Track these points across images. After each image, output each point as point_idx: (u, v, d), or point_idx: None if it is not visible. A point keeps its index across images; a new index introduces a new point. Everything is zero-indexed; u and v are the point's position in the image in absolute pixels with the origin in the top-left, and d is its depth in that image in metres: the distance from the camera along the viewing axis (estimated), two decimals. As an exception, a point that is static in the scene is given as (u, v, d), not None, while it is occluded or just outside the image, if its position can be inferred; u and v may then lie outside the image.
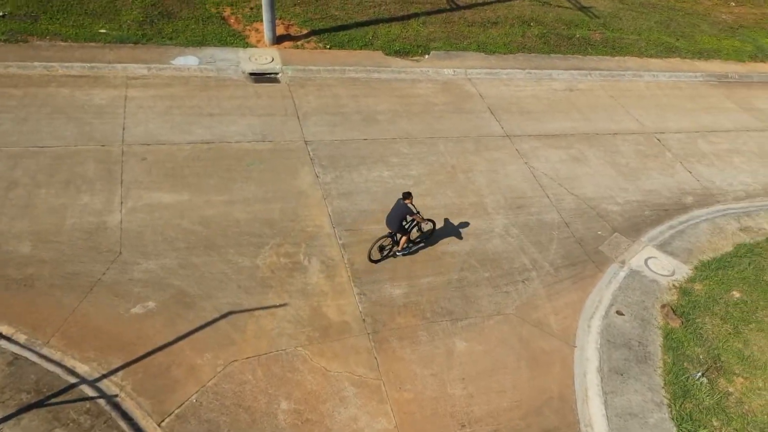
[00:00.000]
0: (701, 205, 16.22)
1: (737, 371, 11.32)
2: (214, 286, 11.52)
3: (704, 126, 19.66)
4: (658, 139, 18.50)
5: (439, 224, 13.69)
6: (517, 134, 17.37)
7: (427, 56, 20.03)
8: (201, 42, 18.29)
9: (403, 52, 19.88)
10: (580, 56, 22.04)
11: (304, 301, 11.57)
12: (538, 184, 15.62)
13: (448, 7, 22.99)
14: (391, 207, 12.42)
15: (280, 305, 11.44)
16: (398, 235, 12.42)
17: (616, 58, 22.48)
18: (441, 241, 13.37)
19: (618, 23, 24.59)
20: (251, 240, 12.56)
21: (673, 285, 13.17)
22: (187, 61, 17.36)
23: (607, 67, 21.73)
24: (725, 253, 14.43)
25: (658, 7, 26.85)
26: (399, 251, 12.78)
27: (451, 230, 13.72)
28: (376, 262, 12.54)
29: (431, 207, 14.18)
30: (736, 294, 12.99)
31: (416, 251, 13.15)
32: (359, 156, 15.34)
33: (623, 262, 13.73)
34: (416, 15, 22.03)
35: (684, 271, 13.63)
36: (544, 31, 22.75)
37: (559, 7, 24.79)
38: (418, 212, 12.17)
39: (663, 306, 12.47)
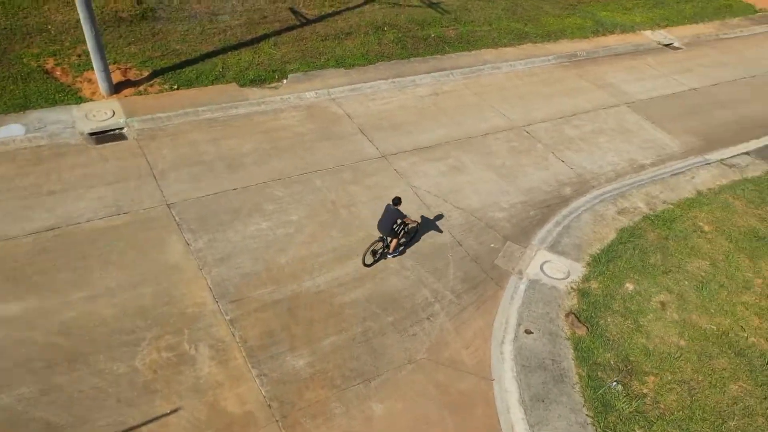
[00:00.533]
0: (579, 193, 16.53)
1: (647, 369, 11.49)
2: (88, 407, 9.88)
3: (566, 110, 20.18)
4: (527, 132, 18.69)
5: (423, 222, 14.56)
6: (393, 152, 16.77)
7: (285, 81, 18.87)
8: (24, 105, 15.91)
9: (259, 81, 18.57)
10: (439, 56, 21.85)
11: (198, 400, 10.25)
12: (423, 205, 15.13)
13: (297, 23, 21.87)
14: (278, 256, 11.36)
15: (172, 411, 10.05)
16: (389, 239, 12.93)
17: (473, 52, 22.54)
18: (336, 293, 12.49)
19: (468, 16, 24.71)
20: (124, 339, 10.97)
21: (572, 288, 13.21)
22: (10, 131, 15.01)
23: (466, 64, 21.70)
24: (611, 241, 14.75)
25: (502, -7, 27.39)
26: (390, 254, 13.36)
27: (345, 277, 12.86)
28: (369, 266, 13.05)
29: (319, 254, 13.23)
30: (630, 286, 13.26)
31: (404, 251, 13.65)
32: (231, 210, 14.01)
33: (521, 273, 13.59)
34: (266, 36, 20.73)
35: (578, 271, 13.74)
36: (400, 35, 22.31)
37: (409, 6, 24.47)
38: (407, 215, 12.97)
39: (567, 315, 12.44)
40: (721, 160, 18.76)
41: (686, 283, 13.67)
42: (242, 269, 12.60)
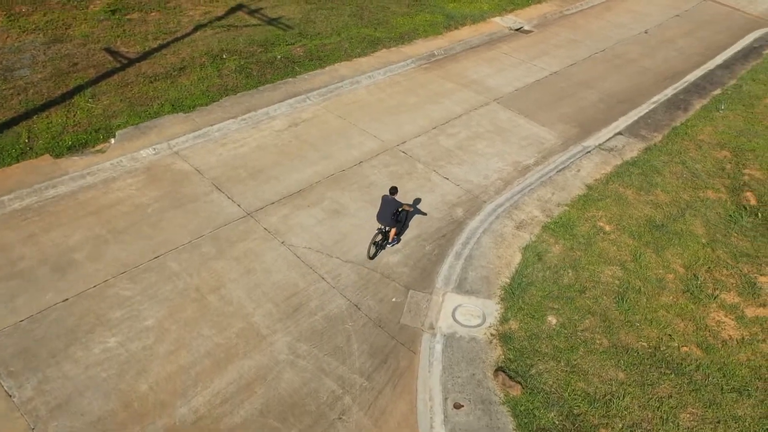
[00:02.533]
0: (472, 213, 14.99)
1: (595, 421, 10.07)
2: None
3: (438, 118, 18.62)
4: (403, 152, 16.89)
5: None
6: (258, 207, 14.22)
7: (113, 141, 15.60)
8: None
9: (79, 147, 15.17)
10: (291, 79, 19.43)
11: None
12: (306, 267, 12.79)
13: (117, 65, 18.46)
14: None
15: None
16: (388, 229, 12.98)
17: (327, 68, 20.36)
18: (222, 414, 9.86)
19: (314, 28, 22.46)
20: None
21: (492, 335, 11.55)
22: None
23: (322, 83, 19.48)
24: (518, 265, 13.30)
25: (344, -3, 25.41)
26: (389, 243, 13.54)
27: (229, 389, 10.27)
28: (372, 258, 13.16)
29: (190, 365, 10.51)
30: (552, 319, 11.83)
31: (399, 240, 13.78)
32: (66, 330, 10.84)
33: (432, 328, 11.72)
34: (80, 88, 17.19)
35: (493, 311, 12.11)
36: (242, 62, 19.60)
37: (246, 27, 21.76)
38: (404, 203, 13.23)
39: (495, 372, 10.74)
40: (599, 146, 18.12)
41: (605, 298, 12.52)
42: (91, 414, 9.60)
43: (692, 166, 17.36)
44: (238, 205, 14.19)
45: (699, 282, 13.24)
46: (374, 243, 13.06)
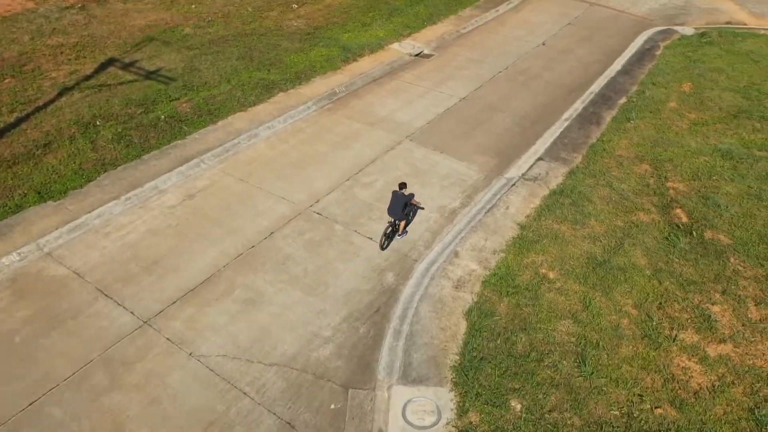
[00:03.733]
0: (404, 276, 13.40)
1: None
2: None
3: (350, 167, 16.93)
4: (318, 213, 15.04)
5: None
6: (157, 311, 11.90)
7: (-36, 251, 12.76)
8: None
9: None
10: (180, 141, 17.11)
11: None
12: (223, 381, 10.66)
13: (-35, 150, 15.45)
14: None
15: None
16: (398, 222, 13.89)
17: (220, 123, 18.17)
18: None
19: (199, 77, 20.17)
20: None
21: (451, 435, 9.94)
22: None
23: (216, 141, 17.29)
24: (465, 337, 11.78)
25: (229, 38, 23.19)
26: (399, 235, 14.40)
27: None
28: (384, 248, 13.96)
29: None
30: (516, 404, 10.38)
31: (406, 232, 14.42)
32: None
33: (383, 437, 9.97)
34: None
35: (449, 401, 10.51)
36: (120, 129, 17.04)
37: (121, 84, 19.15)
38: (413, 197, 13.87)
39: (464, 489, 9.12)
40: (523, 176, 17.08)
41: (565, 363, 11.23)
42: None
43: (618, 187, 16.65)
44: (132, 313, 11.81)
45: (654, 323, 12.28)
46: (385, 235, 13.96)
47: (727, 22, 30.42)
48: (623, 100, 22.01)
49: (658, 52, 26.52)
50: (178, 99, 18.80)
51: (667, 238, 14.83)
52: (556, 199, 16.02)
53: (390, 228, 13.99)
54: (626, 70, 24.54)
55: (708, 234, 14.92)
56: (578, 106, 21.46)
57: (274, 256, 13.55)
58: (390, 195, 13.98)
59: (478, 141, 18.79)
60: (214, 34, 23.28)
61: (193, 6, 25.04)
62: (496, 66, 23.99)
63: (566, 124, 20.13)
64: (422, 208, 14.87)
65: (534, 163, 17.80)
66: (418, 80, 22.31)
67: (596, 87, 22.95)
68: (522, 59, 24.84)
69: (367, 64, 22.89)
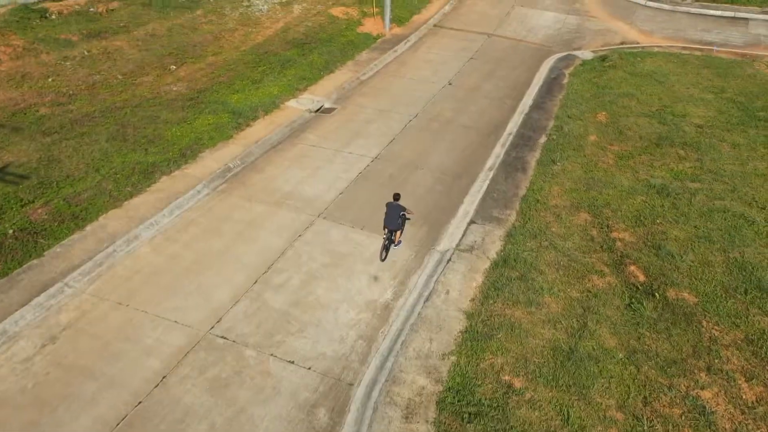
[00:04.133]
0: (340, 410, 10.64)
1: None
2: None
3: (257, 265, 14.04)
4: (222, 338, 12.02)
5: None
6: None
7: None
8: None
9: None
10: (36, 261, 13.53)
11: None
12: None
13: None
14: None
15: None
16: (394, 232, 14.18)
17: (89, 228, 14.74)
18: None
19: (60, 169, 16.58)
20: None
21: None
22: None
23: (85, 254, 13.86)
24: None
25: (96, 115, 19.61)
26: (395, 245, 14.52)
27: None
28: (384, 260, 14.12)
29: None
30: None
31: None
32: None
33: None
34: None
35: None
36: (-49, 257, 13.25)
37: (-45, 193, 15.26)
38: (407, 207, 14.24)
39: None
40: (457, 247, 14.88)
41: None
42: None
43: (563, 247, 14.80)
44: None
45: (645, 428, 10.24)
46: (384, 247, 14.23)
47: (622, 43, 30.30)
48: (543, 138, 20.55)
49: (565, 81, 25.60)
50: (32, 203, 15.16)
51: (629, 305, 13.03)
52: (500, 273, 13.89)
53: (387, 240, 14.24)
54: (538, 104, 23.26)
55: (671, 293, 13.26)
56: (499, 151, 19.72)
57: (169, 414, 10.38)
58: (307, 295, 11.28)
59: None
60: (77, 111, 19.68)
61: (50, 79, 21.31)
62: (405, 114, 21.94)
63: (491, 174, 18.25)
64: (409, 219, 14.78)
65: (467, 228, 15.67)
66: (323, 141, 19.80)
67: (513, 126, 21.40)
68: (431, 103, 22.98)
69: (262, 129, 20.11)
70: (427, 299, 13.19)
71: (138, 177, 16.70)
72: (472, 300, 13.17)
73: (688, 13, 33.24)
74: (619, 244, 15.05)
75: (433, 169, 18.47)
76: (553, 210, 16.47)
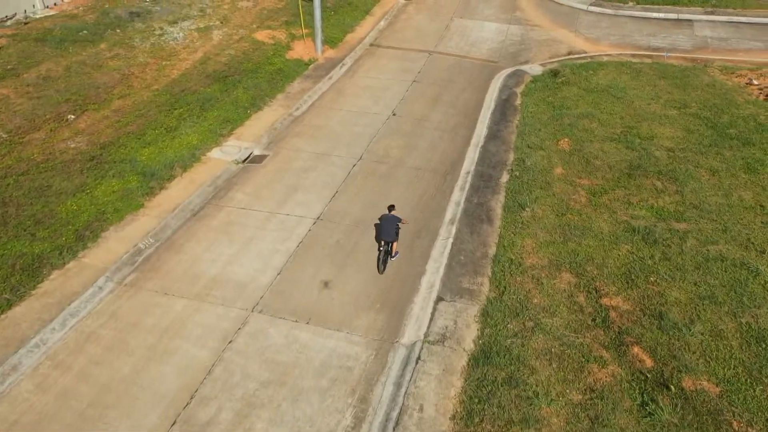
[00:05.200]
0: None
1: None
2: None
3: (174, 394, 10.78)
4: None
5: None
6: None
7: None
8: None
9: None
10: None
11: None
12: None
13: None
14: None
15: None
16: (391, 244, 13.82)
17: (-51, 362, 11.12)
18: None
19: None
20: None
21: None
22: None
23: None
24: None
25: (-30, 190, 15.79)
26: (393, 257, 14.13)
27: None
28: (383, 273, 13.75)
29: None
30: None
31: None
32: None
33: None
34: None
35: None
36: None
37: None
38: (401, 218, 14.05)
39: None
40: (426, 339, 12.09)
41: None
42: None
43: (551, 327, 12.24)
44: None
45: None
46: (381, 260, 13.75)
47: (569, 53, 28.29)
48: (505, 176, 18.03)
49: (518, 102, 23.24)
50: None
51: (643, 405, 10.56)
52: (483, 374, 11.17)
53: (383, 252, 13.85)
54: (494, 133, 20.77)
55: (688, 383, 10.89)
56: (459, 197, 17.06)
57: None
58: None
59: (350, 288, 13.54)
60: (-56, 187, 15.80)
61: None
62: (348, 157, 18.99)
63: (454, 230, 15.56)
64: (405, 224, 14.49)
65: (434, 308, 12.91)
66: (254, 201, 16.62)
67: (470, 164, 18.80)
68: (376, 141, 20.11)
69: (180, 191, 16.74)
70: (396, 423, 10.33)
71: (19, 277, 13.10)
72: (453, 418, 10.40)
73: (632, 16, 31.64)
74: (613, 314, 12.62)
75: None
76: (531, 272, 13.93)
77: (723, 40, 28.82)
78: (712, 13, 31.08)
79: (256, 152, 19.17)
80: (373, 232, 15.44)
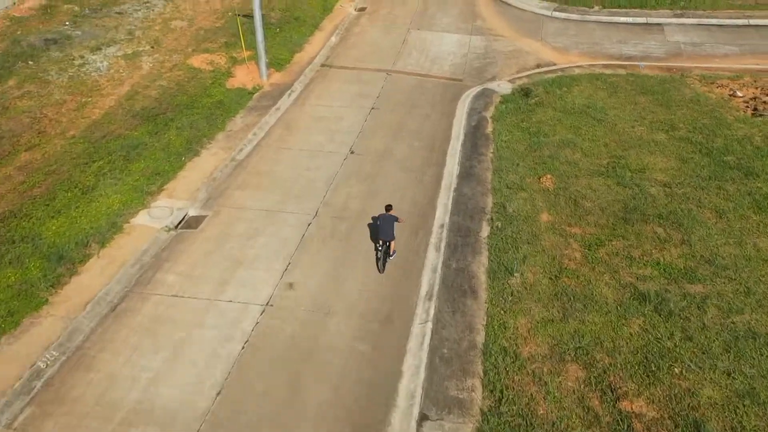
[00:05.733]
0: None
1: None
2: None
3: None
4: None
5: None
6: None
7: None
8: None
9: None
10: None
11: None
12: None
13: None
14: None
15: None
16: (389, 243, 13.69)
17: None
18: None
19: None
20: None
21: None
22: None
23: None
24: None
25: None
26: (391, 255, 14.06)
27: None
28: (383, 272, 13.71)
29: None
30: None
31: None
32: None
33: None
34: None
35: None
36: None
37: None
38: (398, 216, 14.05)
39: None
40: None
41: None
42: None
43: (566, 453, 9.68)
44: None
45: None
46: (380, 260, 13.77)
47: (537, 65, 25.85)
48: (485, 229, 15.40)
49: (489, 129, 20.63)
50: None
51: None
52: None
53: (381, 252, 13.71)
54: (467, 170, 18.12)
55: None
56: (435, 260, 14.36)
57: None
58: None
59: (311, 410, 10.67)
60: None
61: None
62: (301, 213, 16.03)
63: (433, 309, 12.84)
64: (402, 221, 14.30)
65: (418, 433, 10.17)
66: (188, 284, 13.51)
67: (444, 213, 16.10)
68: (333, 188, 17.19)
69: (96, 277, 13.49)
70: None
71: None
72: None
73: (599, 21, 29.41)
74: (638, 426, 10.12)
75: (350, 313, 12.78)
76: (531, 367, 11.33)
77: (697, 45, 26.85)
78: (681, 15, 29.13)
79: (192, 212, 16.03)
80: (335, 324, 12.55)
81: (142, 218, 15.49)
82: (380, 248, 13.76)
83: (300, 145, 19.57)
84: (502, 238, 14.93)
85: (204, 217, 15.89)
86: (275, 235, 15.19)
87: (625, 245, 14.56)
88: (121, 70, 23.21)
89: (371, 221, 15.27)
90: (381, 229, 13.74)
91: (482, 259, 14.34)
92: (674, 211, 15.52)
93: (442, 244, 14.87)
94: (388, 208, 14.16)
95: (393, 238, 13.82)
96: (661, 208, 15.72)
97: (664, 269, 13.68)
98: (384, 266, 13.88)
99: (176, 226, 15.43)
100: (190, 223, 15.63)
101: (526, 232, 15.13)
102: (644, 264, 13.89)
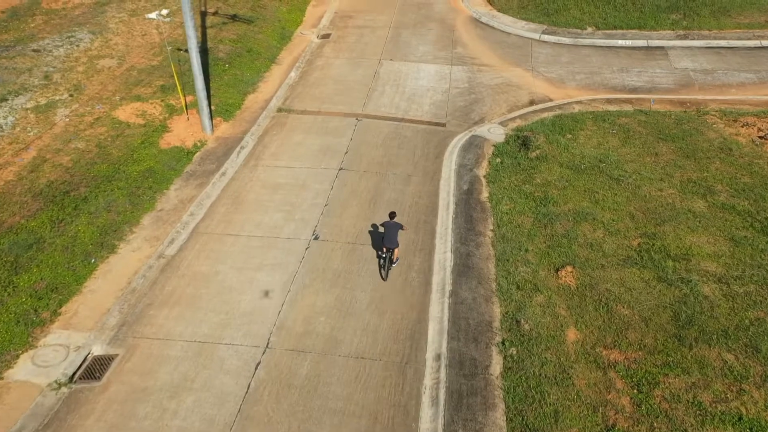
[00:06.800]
0: None
1: None
2: None
3: None
4: None
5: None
6: None
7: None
8: None
9: None
10: None
11: None
12: None
13: None
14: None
15: None
16: (392, 250, 13.37)
17: None
18: None
19: None
20: None
21: None
22: None
23: None
24: None
25: None
26: (394, 262, 13.75)
27: None
28: (386, 279, 13.37)
29: None
30: None
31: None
32: None
33: None
34: None
35: None
36: None
37: None
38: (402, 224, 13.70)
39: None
40: None
41: None
42: None
43: None
44: None
45: None
46: (384, 267, 13.48)
47: (531, 102, 21.80)
48: (497, 363, 11.21)
49: (485, 195, 16.47)
50: None
51: None
52: None
53: (385, 260, 13.42)
54: (463, 262, 13.92)
55: None
56: (432, 426, 10.08)
57: None
58: None
59: None
60: None
61: None
62: (247, 346, 11.57)
63: None
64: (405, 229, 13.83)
65: None
66: (75, 492, 9.02)
67: (438, 337, 11.86)
68: (291, 300, 12.80)
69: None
70: None
71: None
72: None
73: (594, 46, 25.47)
74: None
75: None
76: None
77: (708, 73, 23.09)
78: (685, 37, 25.38)
79: (97, 350, 11.48)
80: None
81: (23, 369, 10.90)
82: (384, 256, 13.42)
83: (249, 229, 15.11)
84: (520, 380, 10.75)
85: (113, 358, 11.35)
86: (208, 387, 10.74)
87: (687, 383, 10.53)
88: (28, 128, 18.40)
89: (372, 228, 14.93)
90: (385, 237, 13.42)
91: (497, 419, 10.13)
92: (742, 325, 11.55)
93: (440, 394, 10.62)
94: (392, 215, 13.78)
95: (397, 246, 13.52)
96: (723, 319, 11.73)
97: (750, 429, 9.66)
98: (388, 274, 13.54)
99: (72, 377, 10.87)
100: (93, 371, 11.08)
101: (552, 365, 10.99)
102: (719, 419, 9.85)
